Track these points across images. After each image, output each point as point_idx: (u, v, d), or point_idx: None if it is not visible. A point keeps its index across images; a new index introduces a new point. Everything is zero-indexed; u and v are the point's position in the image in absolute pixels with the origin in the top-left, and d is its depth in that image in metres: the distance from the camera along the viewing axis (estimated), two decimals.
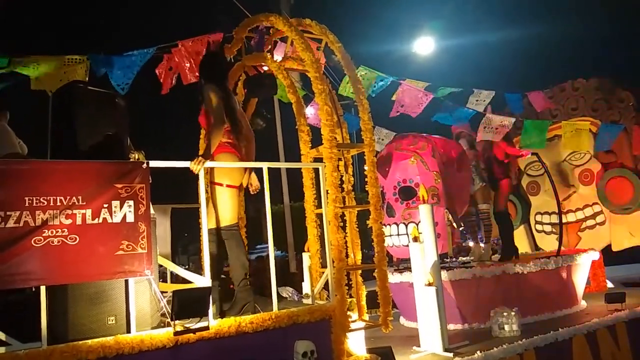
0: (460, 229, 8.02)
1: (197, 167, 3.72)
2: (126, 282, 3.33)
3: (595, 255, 7.11)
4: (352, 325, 4.34)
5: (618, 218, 7.47)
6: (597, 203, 7.67)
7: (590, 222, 7.78)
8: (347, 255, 4.61)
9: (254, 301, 3.99)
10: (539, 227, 8.39)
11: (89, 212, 3.18)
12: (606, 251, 7.78)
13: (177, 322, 3.28)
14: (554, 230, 8.03)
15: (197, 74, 5.18)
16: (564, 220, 7.33)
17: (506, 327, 5.30)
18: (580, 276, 6.60)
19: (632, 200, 7.28)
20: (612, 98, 7.63)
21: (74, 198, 3.14)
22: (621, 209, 7.39)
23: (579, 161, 7.86)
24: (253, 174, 4.47)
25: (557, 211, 7.21)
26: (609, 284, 8.70)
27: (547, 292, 6.10)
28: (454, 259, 7.26)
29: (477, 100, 6.83)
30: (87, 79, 3.95)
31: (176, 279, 4.62)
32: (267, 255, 4.16)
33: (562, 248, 6.96)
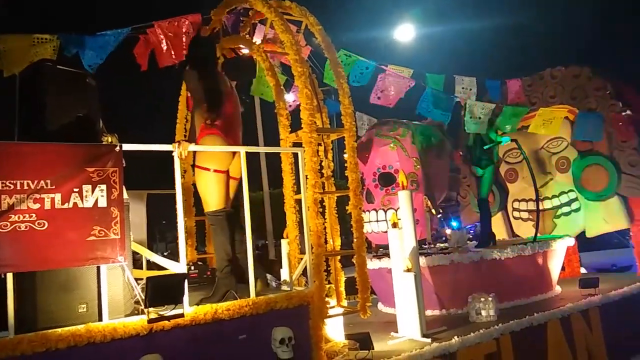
0: (439, 215, 8.06)
1: (184, 151, 3.63)
2: (98, 268, 3.23)
3: (570, 242, 7.22)
4: (331, 312, 4.32)
5: (593, 205, 7.57)
6: (572, 190, 7.77)
7: (565, 209, 7.88)
8: (326, 241, 4.57)
9: (235, 288, 3.93)
10: (516, 214, 8.47)
11: (58, 196, 3.07)
12: (580, 237, 7.90)
13: (151, 309, 3.20)
14: (530, 217, 8.12)
15: (174, 56, 5.07)
16: (540, 207, 7.40)
17: (483, 313, 5.35)
18: (555, 262, 6.70)
19: (606, 187, 7.38)
20: (589, 86, 7.69)
21: (43, 182, 3.03)
22: (596, 196, 7.50)
23: (556, 149, 7.93)
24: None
25: (534, 198, 7.29)
26: (583, 270, 8.88)
27: (523, 278, 6.18)
28: (432, 245, 7.30)
29: (462, 88, 6.80)
30: (55, 58, 3.79)
31: (153, 266, 4.53)
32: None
33: (539, 235, 7.05)
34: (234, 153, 4.16)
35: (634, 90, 7.90)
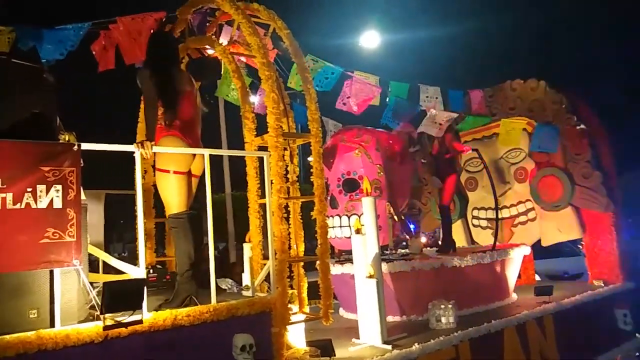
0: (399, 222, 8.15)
1: (148, 151, 3.52)
2: (51, 272, 3.09)
3: (527, 250, 7.43)
4: (293, 318, 4.28)
5: (548, 215, 7.83)
6: (529, 200, 8.01)
7: (522, 218, 8.11)
8: (289, 247, 4.53)
9: (196, 294, 3.83)
10: (475, 222, 8.66)
11: (9, 196, 2.91)
12: (535, 246, 8.15)
13: (107, 315, 3.08)
14: (489, 225, 8.32)
15: (138, 54, 4.94)
16: (499, 216, 7.59)
17: (443, 320, 5.42)
18: (512, 270, 6.87)
19: (561, 198, 7.65)
20: (546, 100, 7.95)
21: None
22: (551, 206, 7.75)
23: (515, 159, 8.16)
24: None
25: (493, 207, 7.46)
26: (537, 277, 9.15)
27: (482, 285, 6.30)
28: (394, 251, 7.36)
29: (427, 97, 6.90)
30: (8, 50, 3.60)
31: (109, 269, 4.37)
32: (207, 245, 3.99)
33: (497, 243, 7.22)
34: (194, 155, 4.07)
35: (586, 104, 8.23)
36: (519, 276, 7.67)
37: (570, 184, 7.57)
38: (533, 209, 7.98)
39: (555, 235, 7.88)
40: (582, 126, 7.73)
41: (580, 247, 9.08)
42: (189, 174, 4.06)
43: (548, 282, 8.13)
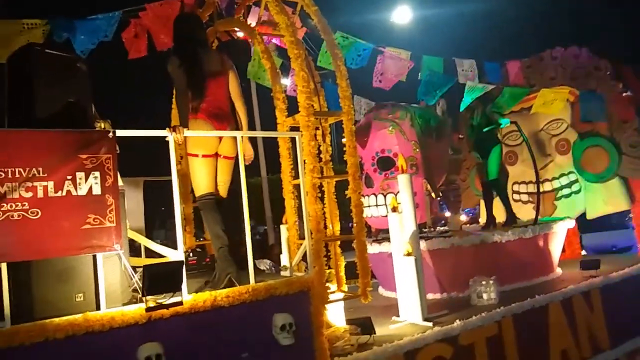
0: (438, 198, 8.02)
1: (180, 136, 3.56)
2: (94, 257, 3.17)
3: (571, 224, 7.20)
4: (331, 297, 4.30)
5: (593, 186, 7.54)
6: (572, 172, 7.72)
7: (566, 191, 7.84)
8: (325, 227, 4.52)
9: (236, 273, 3.86)
10: (516, 196, 8.42)
11: (51, 184, 2.99)
12: (580, 219, 7.88)
13: (149, 297, 3.15)
14: (530, 199, 8.08)
15: (166, 40, 4.98)
16: (541, 190, 7.36)
17: (484, 296, 5.33)
18: (556, 244, 6.67)
19: (607, 168, 7.34)
20: (589, 67, 7.60)
21: (34, 169, 2.94)
22: (596, 178, 7.46)
23: (556, 130, 7.87)
24: (247, 144, 4.19)
25: (534, 180, 7.24)
26: (583, 252, 8.87)
27: (524, 261, 6.16)
28: (432, 229, 7.26)
29: (463, 70, 6.71)
30: (44, 43, 3.69)
31: (151, 253, 4.48)
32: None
33: (539, 216, 7.02)
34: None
35: (632, 70, 7.83)
36: (564, 250, 7.46)
37: (617, 154, 7.25)
38: (577, 181, 7.70)
39: (602, 207, 7.59)
40: (628, 93, 7.37)
41: (629, 219, 8.72)
42: (216, 155, 4.06)
43: (595, 256, 7.86)
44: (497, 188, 7.01)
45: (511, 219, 6.89)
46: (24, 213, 2.90)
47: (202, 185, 4.00)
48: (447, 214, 9.46)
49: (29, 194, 2.92)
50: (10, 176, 2.88)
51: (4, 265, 2.89)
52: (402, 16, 14.49)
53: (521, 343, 4.91)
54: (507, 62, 7.81)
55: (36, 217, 2.93)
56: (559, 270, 6.71)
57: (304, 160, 4.21)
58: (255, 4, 5.43)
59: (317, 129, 4.63)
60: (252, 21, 5.33)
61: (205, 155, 3.96)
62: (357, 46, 6.17)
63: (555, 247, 6.67)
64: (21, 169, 2.91)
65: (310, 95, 4.24)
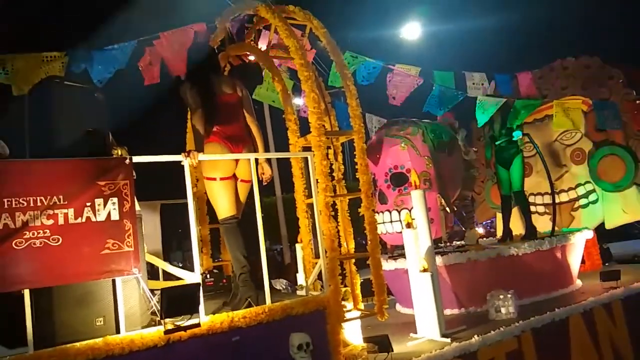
0: (452, 213, 7.99)
1: (194, 160, 3.65)
2: (113, 281, 3.25)
3: (589, 234, 7.10)
4: (348, 315, 4.30)
5: (611, 196, 7.45)
6: (589, 182, 7.65)
7: (583, 201, 7.75)
8: (339, 245, 4.55)
9: (256, 296, 3.89)
10: (532, 208, 8.35)
11: (71, 211, 3.09)
12: (601, 229, 7.77)
13: (167, 320, 3.21)
14: (547, 210, 8.00)
15: (181, 66, 5.10)
16: (557, 201, 7.30)
17: (503, 310, 5.28)
18: (574, 255, 6.59)
19: (623, 177, 7.26)
20: (601, 75, 7.58)
21: (55, 197, 3.05)
22: (613, 187, 7.37)
23: (570, 140, 7.82)
24: (265, 164, 4.34)
25: (549, 192, 7.19)
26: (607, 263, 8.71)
27: (542, 273, 6.09)
28: (448, 244, 7.23)
29: (473, 84, 6.73)
30: (63, 74, 3.83)
31: (169, 276, 4.54)
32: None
33: (556, 228, 6.95)
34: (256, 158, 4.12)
35: None
36: (583, 262, 7.35)
37: (633, 162, 7.17)
38: (594, 190, 7.61)
39: (620, 216, 7.48)
40: None
41: None
42: (234, 178, 4.14)
43: (615, 267, 7.73)
44: (521, 200, 6.92)
45: (531, 232, 6.80)
46: (45, 240, 3.00)
47: (223, 208, 4.07)
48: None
49: (50, 222, 3.02)
50: (32, 205, 2.99)
51: (26, 292, 2.97)
52: (411, 32, 14.63)
53: (542, 358, 4.84)
54: (517, 74, 7.82)
55: (57, 244, 3.03)
56: (578, 282, 6.61)
57: (317, 180, 4.26)
58: (265, 28, 5.55)
59: (329, 148, 4.68)
60: (262, 45, 5.45)
61: (223, 178, 4.05)
62: (366, 64, 6.25)
63: (574, 259, 6.59)
64: (42, 198, 3.02)
65: (321, 116, 4.31)
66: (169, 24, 5.10)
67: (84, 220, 3.13)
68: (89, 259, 3.11)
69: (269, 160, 4.45)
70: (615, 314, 5.65)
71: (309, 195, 4.64)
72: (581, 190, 7.75)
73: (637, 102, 7.37)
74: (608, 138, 7.45)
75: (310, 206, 4.59)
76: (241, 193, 4.24)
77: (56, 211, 3.05)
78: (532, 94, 7.88)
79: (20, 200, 2.96)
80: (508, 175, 6.87)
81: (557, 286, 6.22)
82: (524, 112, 7.19)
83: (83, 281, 3.16)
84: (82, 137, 3.38)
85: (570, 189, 7.85)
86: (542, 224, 8.06)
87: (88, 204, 3.15)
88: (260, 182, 4.15)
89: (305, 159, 4.49)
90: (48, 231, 3.01)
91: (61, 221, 3.05)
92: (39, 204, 3.01)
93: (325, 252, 4.16)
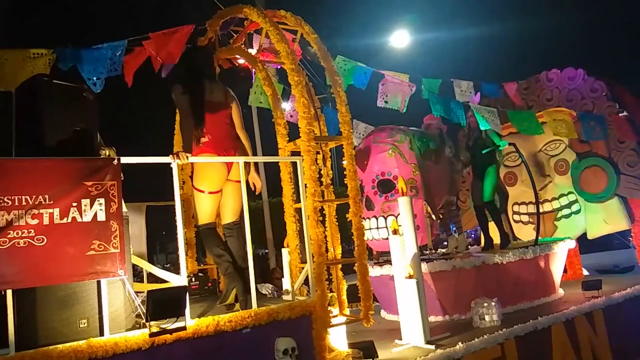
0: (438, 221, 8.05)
1: (183, 161, 3.64)
2: (98, 283, 3.21)
3: (572, 244, 7.20)
4: (333, 321, 4.30)
5: (593, 206, 7.57)
6: (572, 192, 7.76)
7: (565, 211, 7.86)
8: (327, 250, 4.55)
9: (242, 286, 3.90)
10: (516, 217, 8.45)
11: (56, 211, 3.05)
12: (583, 240, 7.88)
13: (152, 323, 3.17)
14: (531, 220, 8.10)
15: (169, 67, 5.07)
16: (540, 210, 7.39)
17: (487, 318, 5.32)
18: (557, 265, 6.67)
19: (605, 188, 7.38)
20: (585, 88, 7.70)
21: (41, 197, 3.01)
22: (595, 198, 7.49)
23: (554, 151, 7.94)
24: (255, 175, 4.41)
25: (534, 201, 7.27)
26: (585, 272, 8.84)
27: (525, 282, 6.15)
28: (433, 251, 7.27)
29: (461, 91, 6.79)
30: (48, 72, 3.77)
31: (154, 278, 4.50)
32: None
33: (539, 237, 7.03)
34: (229, 166, 4.12)
35: (627, 91, 7.93)
36: (565, 271, 7.45)
37: (615, 174, 7.29)
38: (576, 201, 7.73)
39: (602, 227, 7.59)
40: (625, 113, 7.45)
41: (630, 238, 8.72)
42: (220, 193, 4.19)
43: (597, 277, 7.84)
44: (490, 210, 7.00)
45: (505, 242, 6.87)
46: (30, 240, 2.95)
47: (204, 216, 4.15)
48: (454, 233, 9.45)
49: (35, 221, 2.98)
50: (17, 204, 2.94)
51: (9, 292, 2.92)
52: (400, 40, 14.75)
53: None
54: (504, 84, 7.92)
55: (42, 244, 2.98)
56: (561, 291, 6.70)
57: (305, 184, 4.26)
58: (256, 32, 5.55)
59: (317, 153, 4.69)
60: (253, 49, 5.45)
61: (211, 192, 4.08)
62: (358, 69, 6.26)
63: (557, 268, 6.67)
64: (28, 197, 2.98)
65: (310, 121, 4.32)
66: (160, 25, 5.08)
67: (69, 220, 3.09)
68: (74, 260, 3.07)
69: (257, 171, 4.49)
70: (597, 323, 5.74)
71: (297, 200, 4.64)
72: (564, 201, 7.86)
73: (620, 115, 7.50)
74: (591, 149, 7.57)
75: (299, 211, 4.59)
76: (236, 194, 4.19)
77: (41, 211, 3.00)
78: (519, 104, 7.99)
79: (5, 199, 2.92)
80: (481, 185, 6.93)
81: (540, 295, 6.29)
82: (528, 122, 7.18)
83: (67, 282, 3.11)
84: (70, 136, 3.33)
85: (553, 199, 7.96)
86: (527, 233, 8.17)
87: (74, 204, 3.11)
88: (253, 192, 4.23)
89: (294, 164, 4.48)
90: (32, 231, 2.96)
91: (46, 221, 3.01)
92: (23, 203, 2.96)
93: (313, 257, 4.16)
